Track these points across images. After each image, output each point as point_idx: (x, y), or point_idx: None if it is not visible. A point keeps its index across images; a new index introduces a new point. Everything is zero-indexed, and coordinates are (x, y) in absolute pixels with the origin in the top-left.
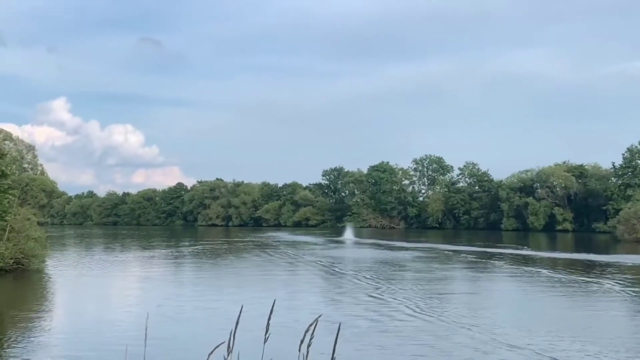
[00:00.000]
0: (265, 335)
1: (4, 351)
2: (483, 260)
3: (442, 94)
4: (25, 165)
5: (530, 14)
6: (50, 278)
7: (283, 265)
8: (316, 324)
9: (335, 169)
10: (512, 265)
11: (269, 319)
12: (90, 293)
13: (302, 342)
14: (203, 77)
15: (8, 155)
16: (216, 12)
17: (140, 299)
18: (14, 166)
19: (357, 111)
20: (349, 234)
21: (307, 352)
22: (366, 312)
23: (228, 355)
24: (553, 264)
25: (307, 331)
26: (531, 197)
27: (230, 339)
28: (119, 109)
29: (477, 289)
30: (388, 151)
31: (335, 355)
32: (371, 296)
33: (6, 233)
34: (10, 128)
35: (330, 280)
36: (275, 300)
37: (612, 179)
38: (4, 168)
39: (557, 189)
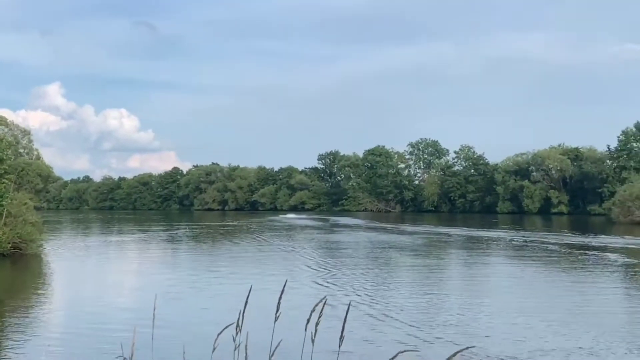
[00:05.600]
0: (275, 314)
1: (5, 337)
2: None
3: (439, 77)
4: (21, 150)
5: None
6: (49, 262)
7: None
8: (324, 304)
9: (330, 153)
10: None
11: (280, 298)
12: (90, 277)
13: (308, 321)
14: (199, 61)
15: (4, 140)
16: None
17: (140, 281)
18: (10, 151)
19: (353, 95)
20: (291, 215)
21: (315, 331)
22: (364, 295)
23: (237, 334)
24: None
25: (313, 311)
26: (526, 180)
27: (239, 318)
28: (113, 93)
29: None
30: (384, 135)
31: (343, 334)
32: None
33: (3, 218)
34: (5, 113)
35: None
36: (286, 280)
37: (608, 161)
38: (0, 153)
39: (553, 172)
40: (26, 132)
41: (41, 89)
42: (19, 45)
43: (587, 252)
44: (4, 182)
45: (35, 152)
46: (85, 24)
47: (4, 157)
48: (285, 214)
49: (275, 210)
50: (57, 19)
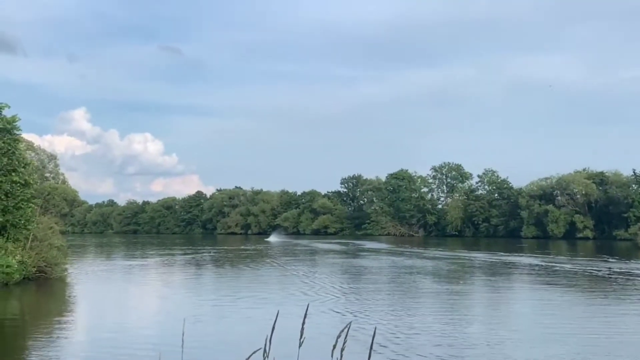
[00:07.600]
0: (300, 339)
1: None
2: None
3: (461, 99)
4: (47, 175)
5: (548, 18)
6: (74, 286)
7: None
8: (348, 329)
9: (353, 177)
10: None
11: (303, 322)
12: (114, 301)
13: (334, 347)
14: (222, 84)
15: (30, 165)
16: (235, 19)
17: (163, 305)
18: (36, 175)
19: (375, 117)
20: (274, 237)
21: (341, 356)
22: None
23: None
24: None
25: (338, 336)
26: (551, 205)
27: (266, 344)
28: (138, 117)
29: None
30: (406, 158)
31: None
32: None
33: (29, 242)
34: (32, 138)
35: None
36: (308, 304)
37: (633, 186)
38: (27, 177)
39: (578, 196)
40: (52, 157)
41: (67, 114)
42: (46, 71)
43: (629, 278)
44: (30, 207)
45: (61, 177)
46: (111, 49)
47: (31, 182)
48: (267, 237)
49: (298, 234)
50: (83, 45)
